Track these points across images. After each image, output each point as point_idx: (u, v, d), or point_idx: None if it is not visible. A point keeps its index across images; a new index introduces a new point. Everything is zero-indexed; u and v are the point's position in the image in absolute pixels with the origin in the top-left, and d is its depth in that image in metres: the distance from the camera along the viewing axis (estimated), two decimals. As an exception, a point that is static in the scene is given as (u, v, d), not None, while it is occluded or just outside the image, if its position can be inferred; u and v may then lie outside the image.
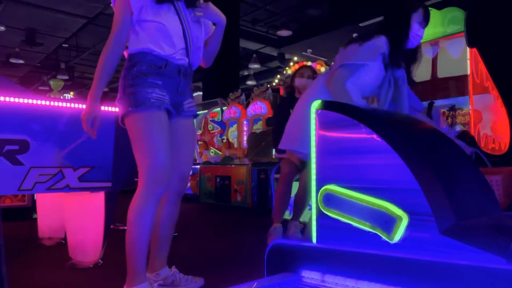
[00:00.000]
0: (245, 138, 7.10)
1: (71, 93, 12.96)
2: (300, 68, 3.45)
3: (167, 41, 1.77)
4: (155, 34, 1.75)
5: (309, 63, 5.83)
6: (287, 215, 4.04)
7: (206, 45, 1.98)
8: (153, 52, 1.75)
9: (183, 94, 1.87)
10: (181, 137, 1.90)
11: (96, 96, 1.70)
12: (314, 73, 3.40)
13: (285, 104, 3.43)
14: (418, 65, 2.34)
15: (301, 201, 3.06)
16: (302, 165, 3.10)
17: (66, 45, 11.43)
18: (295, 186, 3.45)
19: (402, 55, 2.24)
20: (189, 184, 6.95)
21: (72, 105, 2.34)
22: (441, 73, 4.15)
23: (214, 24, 1.96)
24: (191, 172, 6.91)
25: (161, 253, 1.90)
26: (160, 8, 1.76)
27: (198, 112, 8.80)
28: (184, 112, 1.89)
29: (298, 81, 3.30)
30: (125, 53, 1.84)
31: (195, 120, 2.03)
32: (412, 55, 2.30)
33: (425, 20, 2.20)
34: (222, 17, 1.91)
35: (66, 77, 12.63)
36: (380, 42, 2.17)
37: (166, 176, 1.71)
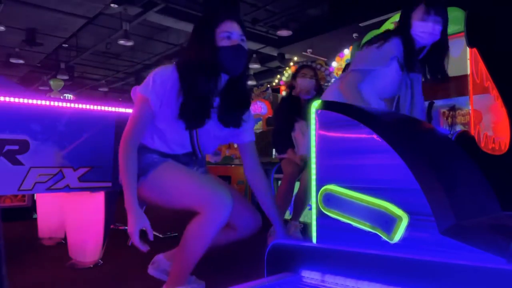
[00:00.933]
0: (245, 138, 7.09)
1: (71, 96, 12.95)
2: (302, 68, 3.43)
3: (168, 146, 1.78)
4: (164, 138, 1.77)
5: (308, 63, 5.84)
6: (287, 215, 4.04)
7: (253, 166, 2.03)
8: (151, 147, 1.77)
9: (187, 165, 1.84)
10: None
11: (134, 203, 1.58)
12: (315, 73, 3.39)
13: (283, 106, 3.42)
14: (447, 59, 2.31)
15: (301, 201, 3.07)
16: (304, 165, 3.10)
17: (66, 45, 11.42)
18: (296, 187, 3.45)
19: (415, 57, 2.17)
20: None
21: (72, 105, 2.34)
22: (441, 73, 4.14)
23: None
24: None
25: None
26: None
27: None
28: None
29: (301, 81, 3.28)
30: None
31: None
32: (436, 51, 2.22)
33: (428, 13, 2.07)
34: None
35: (66, 77, 12.61)
36: (391, 47, 2.11)
37: (218, 197, 1.63)
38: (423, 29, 2.09)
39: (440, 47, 2.23)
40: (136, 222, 1.55)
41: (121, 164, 1.63)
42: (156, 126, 1.75)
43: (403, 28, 2.12)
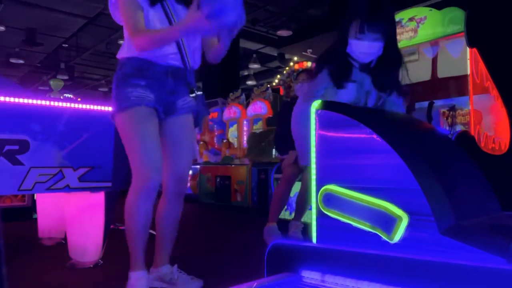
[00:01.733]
0: (245, 138, 7.10)
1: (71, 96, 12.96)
2: (300, 73, 3.42)
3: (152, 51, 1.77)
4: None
5: (309, 64, 5.83)
6: (287, 215, 4.05)
7: (215, 44, 1.93)
8: (139, 56, 1.77)
9: (174, 93, 1.86)
10: (176, 136, 1.89)
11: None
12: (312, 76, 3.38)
13: (287, 109, 3.41)
14: (403, 71, 1.93)
15: (303, 201, 3.07)
16: (303, 167, 3.10)
17: (66, 45, 11.43)
18: (296, 186, 3.45)
19: (345, 80, 1.91)
20: (189, 184, 6.95)
21: (72, 105, 2.34)
22: (441, 73, 4.15)
23: None
24: (190, 172, 6.94)
25: (163, 251, 1.93)
26: (148, 12, 1.75)
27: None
28: (177, 110, 1.88)
29: (299, 87, 3.27)
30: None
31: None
32: (382, 66, 1.90)
33: (363, 32, 1.75)
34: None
35: (66, 77, 12.62)
36: (317, 81, 1.96)
37: (155, 170, 1.73)
38: (359, 49, 1.81)
39: (386, 62, 1.87)
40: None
41: (157, 38, 1.70)
42: None
43: (339, 47, 1.86)
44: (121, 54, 1.84)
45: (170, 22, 1.79)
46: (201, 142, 7.62)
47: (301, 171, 3.17)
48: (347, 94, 1.96)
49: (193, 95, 1.96)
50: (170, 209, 1.92)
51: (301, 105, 2.11)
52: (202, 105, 1.97)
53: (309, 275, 1.35)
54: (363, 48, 1.80)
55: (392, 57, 1.85)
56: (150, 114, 1.78)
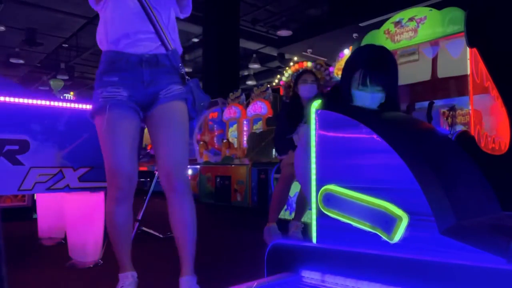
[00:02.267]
0: (245, 138, 7.09)
1: (71, 93, 12.95)
2: (302, 73, 3.41)
3: (120, 31, 1.64)
4: (106, 26, 1.67)
5: (309, 64, 5.83)
6: (287, 215, 4.05)
7: None
8: (111, 49, 1.66)
9: (153, 83, 1.67)
10: (160, 129, 1.69)
11: None
12: (316, 77, 3.38)
13: (286, 110, 3.41)
14: None
15: (303, 201, 3.07)
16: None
17: (66, 45, 11.43)
18: (295, 186, 3.45)
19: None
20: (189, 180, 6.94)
21: (72, 105, 2.34)
22: (441, 73, 4.15)
23: None
24: (190, 172, 6.93)
25: (181, 258, 1.73)
26: None
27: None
28: (159, 99, 1.68)
29: (302, 88, 3.27)
30: None
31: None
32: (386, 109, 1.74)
33: (365, 84, 1.65)
34: None
35: (66, 77, 12.63)
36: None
37: (125, 179, 1.65)
38: (362, 100, 1.70)
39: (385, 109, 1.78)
40: None
41: None
42: (102, 10, 1.69)
43: (343, 97, 1.77)
44: (100, 47, 1.74)
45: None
46: (201, 142, 7.62)
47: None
48: None
49: (181, 83, 1.74)
50: (172, 209, 1.74)
51: (302, 152, 2.05)
52: (197, 90, 1.75)
53: (309, 275, 1.35)
54: (366, 99, 1.72)
55: (391, 107, 1.77)
56: (122, 116, 1.64)
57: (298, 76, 3.39)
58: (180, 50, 1.79)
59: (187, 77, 1.74)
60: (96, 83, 1.69)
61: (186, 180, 1.73)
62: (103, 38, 1.69)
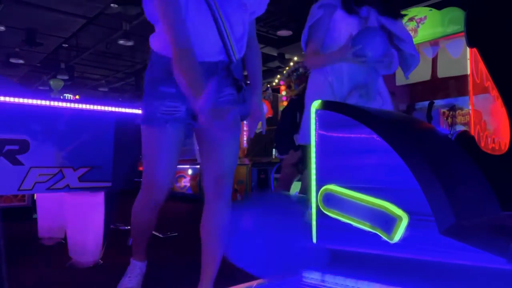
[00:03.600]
0: (245, 138, 7.09)
1: (77, 96, 12.93)
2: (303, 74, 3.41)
3: (195, 38, 1.47)
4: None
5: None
6: (287, 215, 4.05)
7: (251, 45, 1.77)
8: (169, 55, 1.48)
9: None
10: (214, 132, 1.62)
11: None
12: None
13: (291, 109, 3.41)
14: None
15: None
16: (302, 165, 3.11)
17: (66, 45, 11.42)
18: (296, 186, 3.45)
19: None
20: (189, 184, 6.94)
21: (72, 105, 2.34)
22: (441, 73, 4.15)
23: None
24: (190, 172, 6.93)
25: (204, 269, 1.68)
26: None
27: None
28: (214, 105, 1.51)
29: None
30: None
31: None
32: None
33: None
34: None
35: (66, 77, 12.62)
36: (322, 1, 1.96)
37: (161, 192, 1.72)
38: None
39: None
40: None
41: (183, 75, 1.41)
42: None
43: None
44: (154, 41, 1.61)
45: (213, 15, 1.49)
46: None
47: (300, 172, 3.17)
48: (353, 25, 1.94)
49: (240, 91, 1.67)
50: (213, 217, 1.65)
51: (313, 75, 2.02)
52: (246, 103, 1.71)
53: (309, 275, 1.35)
54: None
55: None
56: (175, 136, 1.62)
57: (298, 76, 3.39)
58: (242, 54, 1.70)
59: (244, 87, 1.69)
60: (149, 89, 1.60)
61: (231, 188, 1.72)
62: (163, 39, 1.51)
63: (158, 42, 1.59)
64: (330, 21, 1.95)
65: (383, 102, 1.99)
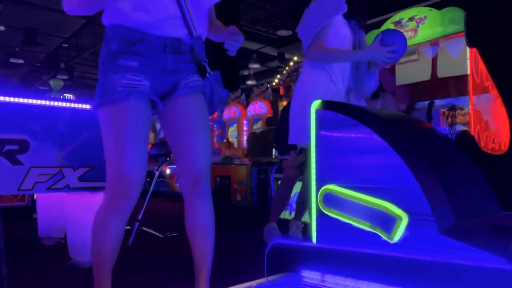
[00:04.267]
0: (245, 138, 7.10)
1: (72, 96, 12.93)
2: None
3: (145, 5, 1.37)
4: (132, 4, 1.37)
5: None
6: (287, 215, 4.05)
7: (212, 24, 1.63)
8: (126, 24, 1.38)
9: (176, 72, 1.47)
10: (182, 124, 1.48)
11: None
12: None
13: (287, 110, 3.40)
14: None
15: (303, 201, 3.07)
16: (304, 166, 3.11)
17: (66, 45, 11.42)
18: (296, 187, 3.45)
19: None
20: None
21: (72, 105, 2.34)
22: (441, 73, 4.15)
23: None
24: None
25: (199, 270, 1.55)
26: None
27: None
28: (179, 89, 1.47)
29: None
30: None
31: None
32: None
33: None
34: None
35: (66, 77, 12.62)
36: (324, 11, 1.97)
37: (135, 187, 1.37)
38: None
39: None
40: None
41: None
42: None
43: None
44: (105, 19, 1.43)
45: None
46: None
47: (301, 172, 3.17)
48: (350, 32, 2.05)
49: (205, 75, 1.53)
50: (196, 216, 1.55)
51: (309, 70, 2.05)
52: (217, 84, 1.55)
53: (309, 275, 1.35)
54: None
55: None
56: (142, 110, 1.39)
57: (297, 75, 3.39)
58: (206, 35, 1.58)
59: (208, 70, 1.54)
60: (107, 65, 1.40)
61: (210, 184, 1.56)
62: (120, 7, 1.38)
63: (111, 14, 1.42)
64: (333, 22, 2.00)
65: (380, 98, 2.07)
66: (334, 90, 2.02)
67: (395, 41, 1.90)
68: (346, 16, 2.03)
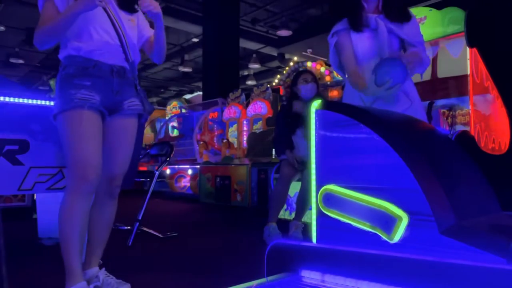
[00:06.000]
0: (245, 138, 7.10)
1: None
2: (301, 73, 3.40)
3: (95, 32, 1.74)
4: (81, 25, 1.73)
5: (308, 64, 5.83)
6: (287, 215, 4.05)
7: (152, 42, 1.98)
8: (80, 53, 1.74)
9: (120, 93, 1.83)
10: (116, 136, 1.87)
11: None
12: (314, 76, 3.37)
13: (284, 112, 3.41)
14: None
15: (303, 201, 3.07)
16: (302, 166, 3.11)
17: (66, 45, 11.42)
18: (295, 186, 3.45)
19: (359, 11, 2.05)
20: (188, 184, 6.94)
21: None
22: (441, 73, 4.15)
23: (151, 21, 1.94)
24: (190, 172, 6.94)
25: (91, 253, 1.90)
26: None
27: (198, 112, 8.77)
28: (123, 110, 1.85)
29: (302, 88, 3.26)
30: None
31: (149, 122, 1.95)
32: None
33: None
34: (156, 7, 1.83)
35: (66, 77, 12.63)
36: (333, 30, 2.09)
37: (93, 172, 1.69)
38: None
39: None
40: None
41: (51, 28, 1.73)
42: (77, 24, 1.74)
43: None
44: (61, 52, 1.80)
45: (110, 18, 1.77)
46: (201, 142, 7.62)
47: (298, 171, 3.18)
48: (368, 39, 2.04)
49: (137, 90, 1.93)
50: (100, 210, 1.90)
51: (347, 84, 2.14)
52: (145, 101, 1.95)
53: (309, 275, 1.35)
54: None
55: None
56: (93, 118, 1.75)
57: (297, 75, 3.37)
58: (138, 60, 1.95)
59: (138, 87, 1.93)
60: (64, 84, 1.74)
61: (120, 188, 1.94)
62: (76, 44, 1.75)
63: (67, 49, 1.77)
64: (350, 39, 2.07)
65: (411, 102, 2.00)
66: (357, 99, 2.06)
67: (389, 77, 1.80)
68: (355, 28, 2.04)
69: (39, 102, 2.21)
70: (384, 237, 1.22)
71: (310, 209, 2.80)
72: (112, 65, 1.80)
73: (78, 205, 1.69)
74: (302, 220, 3.13)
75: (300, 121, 3.17)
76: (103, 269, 1.89)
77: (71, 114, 1.71)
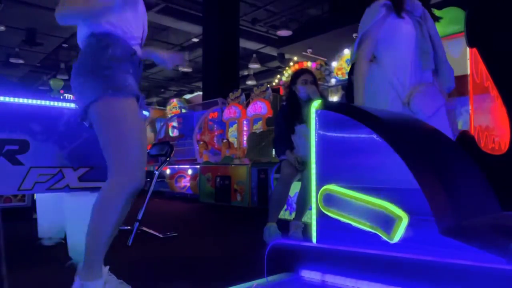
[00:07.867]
0: (245, 138, 7.10)
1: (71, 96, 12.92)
2: (301, 74, 3.38)
3: (134, 29, 1.68)
4: (127, 19, 1.65)
5: (308, 64, 5.83)
6: (287, 215, 4.05)
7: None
8: (124, 37, 1.64)
9: (139, 86, 1.76)
10: None
11: None
12: (314, 77, 3.36)
13: (284, 112, 3.40)
14: None
15: (304, 201, 3.07)
16: (303, 166, 3.11)
17: (66, 45, 11.43)
18: (295, 186, 3.45)
19: None
20: (188, 184, 6.95)
21: (72, 105, 2.34)
22: (441, 73, 4.14)
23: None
24: (190, 172, 6.94)
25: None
26: None
27: (198, 112, 8.77)
28: (141, 108, 1.72)
29: (301, 89, 3.25)
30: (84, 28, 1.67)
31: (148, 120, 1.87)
32: None
33: None
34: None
35: (66, 77, 12.64)
36: (364, 19, 1.97)
37: (142, 171, 1.57)
38: None
39: None
40: None
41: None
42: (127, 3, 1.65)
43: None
44: (99, 27, 1.61)
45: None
46: (201, 142, 7.62)
47: (298, 171, 3.17)
48: (407, 24, 1.96)
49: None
50: (124, 208, 1.78)
51: (360, 65, 1.98)
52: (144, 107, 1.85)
53: (309, 275, 1.35)
54: None
55: None
56: (138, 110, 1.65)
57: (297, 76, 3.37)
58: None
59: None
60: (114, 65, 1.56)
61: None
62: (120, 24, 1.62)
63: (110, 24, 1.61)
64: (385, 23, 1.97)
65: (445, 100, 2.00)
66: (393, 93, 1.96)
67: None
68: (398, 13, 1.95)
69: (39, 102, 2.21)
70: (384, 237, 1.22)
71: (310, 209, 2.80)
72: (140, 57, 1.73)
73: (121, 203, 1.55)
74: (302, 220, 3.12)
75: (301, 116, 3.16)
76: (107, 266, 1.86)
77: (126, 102, 1.54)
